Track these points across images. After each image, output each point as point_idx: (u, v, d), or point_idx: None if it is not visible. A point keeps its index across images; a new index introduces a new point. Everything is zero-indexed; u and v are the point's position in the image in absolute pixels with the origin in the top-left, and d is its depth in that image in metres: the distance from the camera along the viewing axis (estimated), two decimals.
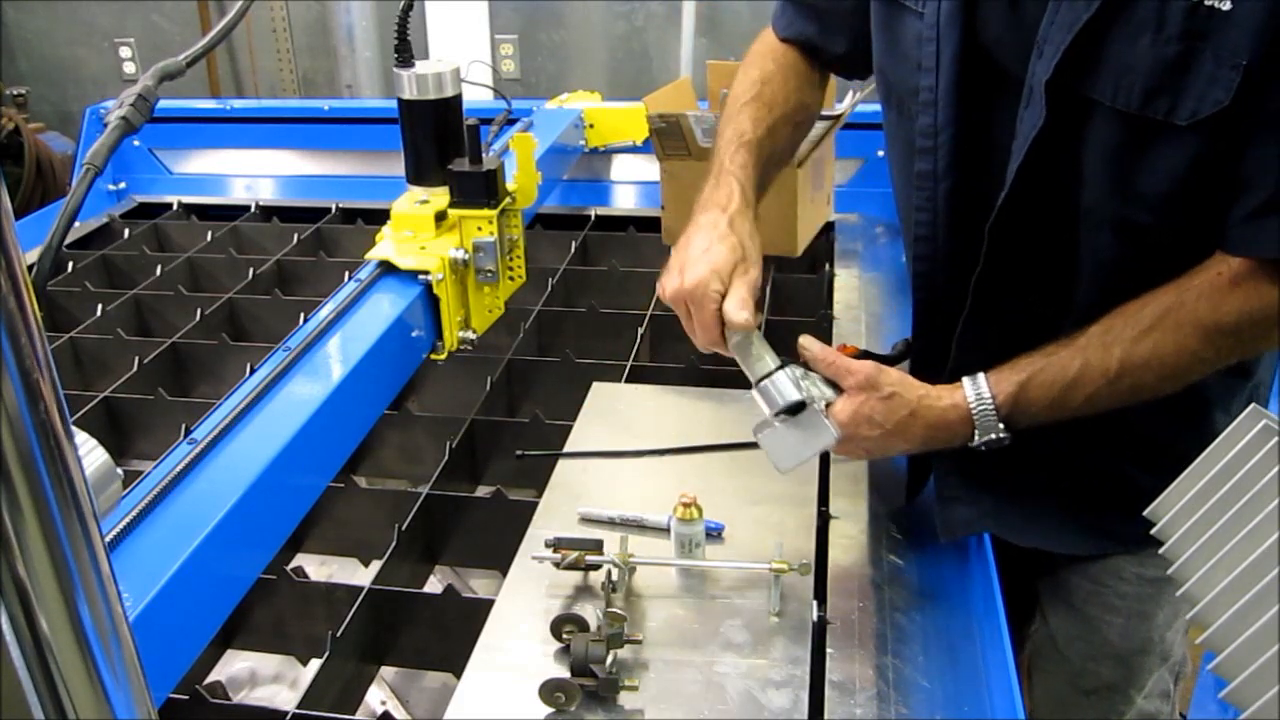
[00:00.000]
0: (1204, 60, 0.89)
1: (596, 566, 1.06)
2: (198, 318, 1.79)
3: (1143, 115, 0.93)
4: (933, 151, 1.11)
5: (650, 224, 2.10)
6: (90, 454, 0.71)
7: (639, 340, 1.66)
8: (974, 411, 1.04)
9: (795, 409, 1.06)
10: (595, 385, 1.46)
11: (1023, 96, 1.01)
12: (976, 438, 1.05)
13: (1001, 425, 1.04)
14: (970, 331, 1.13)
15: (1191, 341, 0.99)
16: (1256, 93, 0.88)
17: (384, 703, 1.22)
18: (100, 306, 1.84)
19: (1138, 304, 1.00)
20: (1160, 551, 0.87)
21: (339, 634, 1.08)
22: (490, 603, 1.06)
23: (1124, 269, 1.04)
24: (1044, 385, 1.03)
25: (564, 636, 0.99)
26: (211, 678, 1.21)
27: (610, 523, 1.16)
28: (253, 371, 1.18)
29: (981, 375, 1.05)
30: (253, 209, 2.32)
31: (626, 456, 1.29)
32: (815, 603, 1.05)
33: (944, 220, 1.12)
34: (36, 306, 0.39)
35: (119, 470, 0.73)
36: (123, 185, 2.42)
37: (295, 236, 2.14)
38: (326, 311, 1.27)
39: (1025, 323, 1.11)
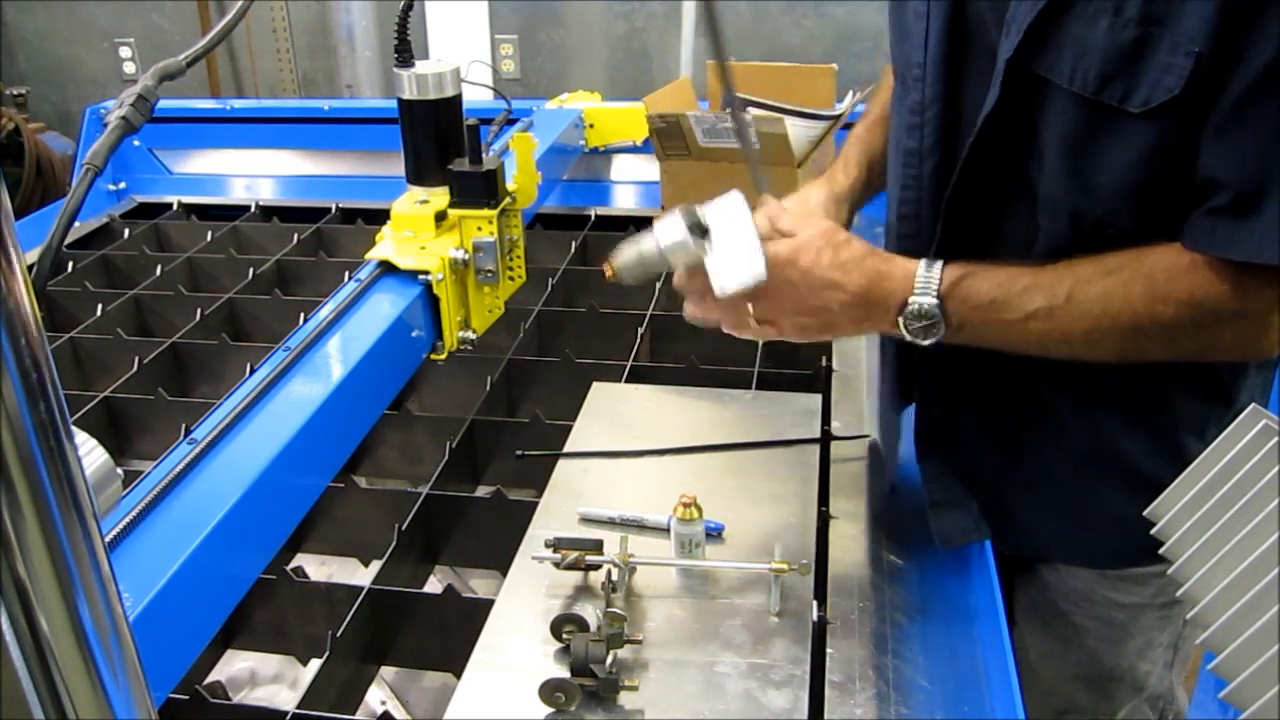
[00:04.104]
0: (1160, 46, 0.88)
1: (596, 566, 1.06)
2: (198, 318, 1.79)
3: (1098, 100, 0.93)
4: (920, 128, 1.10)
5: (650, 224, 2.09)
6: (90, 454, 0.71)
7: (639, 340, 1.66)
8: (917, 273, 1.02)
9: (698, 227, 1.06)
10: (595, 385, 1.46)
11: (994, 75, 1.00)
12: (910, 302, 1.01)
13: (937, 301, 1.01)
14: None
15: (1138, 300, 0.96)
16: (1210, 84, 0.87)
17: (384, 703, 1.22)
18: (100, 306, 1.84)
19: (1101, 255, 0.99)
20: (1160, 551, 0.87)
21: (339, 634, 1.08)
22: (490, 603, 1.06)
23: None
24: (991, 280, 1.00)
25: (564, 636, 0.99)
26: (211, 678, 1.21)
27: (610, 523, 1.16)
28: (253, 371, 1.18)
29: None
30: (253, 209, 2.32)
31: (626, 456, 1.29)
32: (815, 603, 1.05)
33: (929, 199, 1.12)
34: (36, 306, 0.39)
35: (119, 470, 0.73)
36: (123, 185, 2.42)
37: (295, 236, 2.14)
38: (326, 311, 1.27)
39: None
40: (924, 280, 1.01)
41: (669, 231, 1.08)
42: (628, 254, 1.12)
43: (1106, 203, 0.98)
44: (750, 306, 1.08)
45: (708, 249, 1.05)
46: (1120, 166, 0.95)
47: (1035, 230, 1.05)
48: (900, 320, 1.02)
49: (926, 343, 1.02)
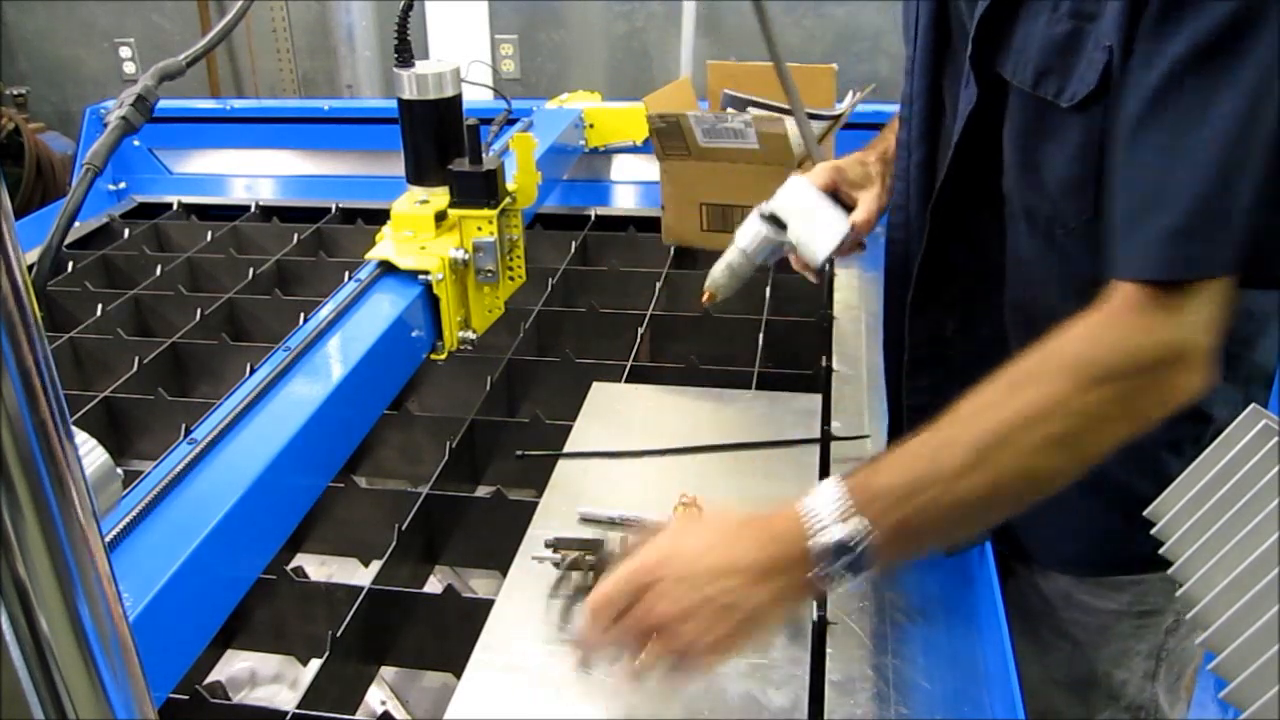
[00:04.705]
0: (1088, 41, 0.88)
1: None
2: (198, 318, 1.79)
3: (1035, 95, 0.93)
4: (908, 121, 1.13)
5: (650, 224, 2.10)
6: (90, 454, 0.71)
7: (639, 340, 1.66)
8: (804, 506, 0.84)
9: (771, 219, 1.15)
10: (595, 385, 1.46)
11: (963, 73, 1.02)
12: (818, 531, 0.82)
13: (854, 510, 0.82)
14: (918, 316, 1.13)
15: (1065, 387, 0.83)
16: (1119, 81, 0.86)
17: (384, 703, 1.22)
18: (100, 306, 1.84)
19: (1004, 370, 0.86)
20: (1160, 551, 0.87)
21: (339, 634, 1.08)
22: (490, 603, 1.06)
23: (1044, 268, 1.02)
24: (896, 464, 0.85)
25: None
26: (211, 678, 1.21)
27: (610, 523, 1.16)
28: (253, 371, 1.18)
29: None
30: (253, 209, 2.32)
31: (626, 456, 1.29)
32: (815, 603, 1.05)
33: (915, 192, 1.13)
34: (36, 306, 0.39)
35: (119, 470, 0.73)
36: (123, 185, 2.42)
37: (295, 236, 2.14)
38: (326, 311, 1.27)
39: (969, 312, 1.11)
40: (825, 494, 0.84)
41: (747, 233, 1.16)
42: (717, 270, 1.24)
43: (1053, 199, 0.97)
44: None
45: (789, 233, 1.12)
46: (1060, 162, 0.95)
47: (1002, 233, 1.05)
48: (824, 571, 0.83)
49: (853, 579, 0.84)
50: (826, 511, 0.83)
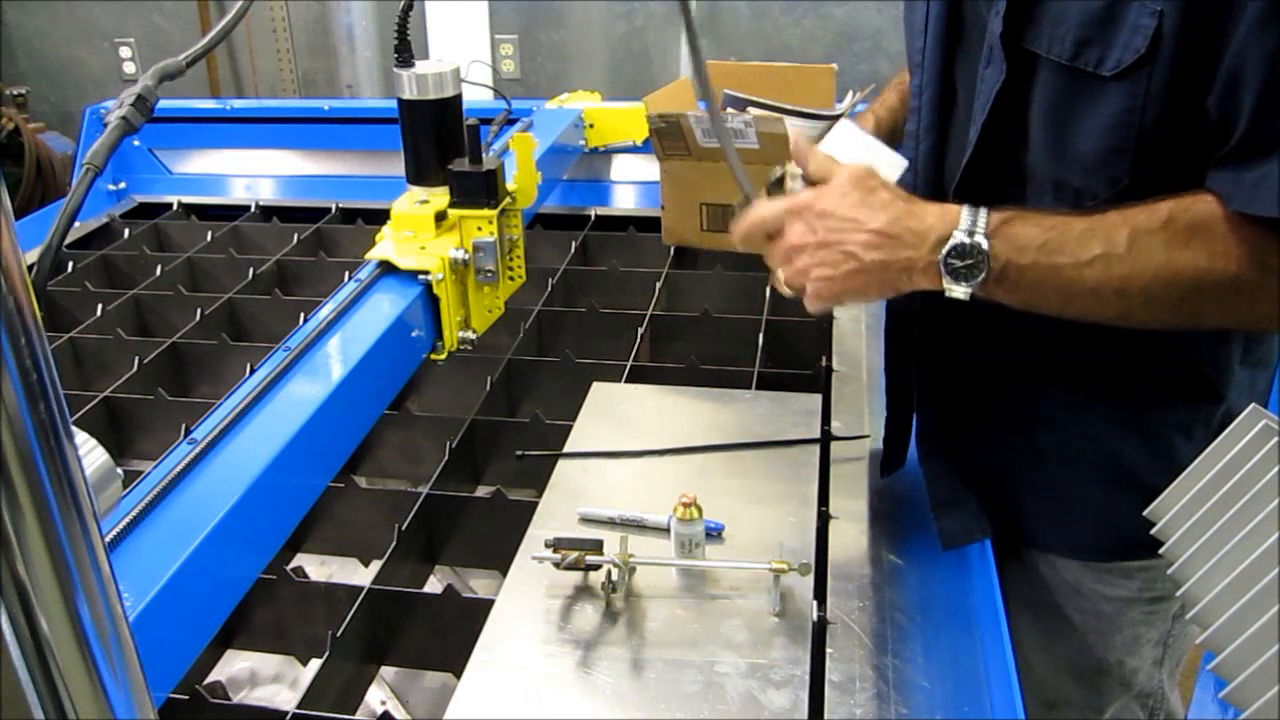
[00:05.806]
0: (1130, 9, 0.90)
1: (596, 566, 1.06)
2: (198, 318, 1.79)
3: (1074, 66, 0.94)
4: (917, 111, 1.14)
5: (650, 224, 2.10)
6: (90, 454, 0.71)
7: (639, 340, 1.66)
8: (961, 213, 0.96)
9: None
10: (595, 385, 1.45)
11: (983, 55, 1.03)
12: (953, 237, 0.95)
13: (984, 236, 0.94)
14: (933, 297, 1.14)
15: (1201, 254, 0.91)
16: (1177, 40, 0.88)
17: (384, 703, 1.22)
18: (100, 306, 1.84)
19: (1150, 203, 0.93)
20: (1160, 551, 0.88)
21: (339, 634, 1.08)
22: (490, 603, 1.06)
23: None
24: (1041, 224, 0.95)
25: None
26: (211, 678, 1.21)
27: (610, 523, 1.16)
28: (253, 371, 1.18)
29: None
30: (253, 209, 2.32)
31: (626, 456, 1.29)
32: (815, 603, 1.05)
33: (923, 180, 1.15)
34: (36, 306, 0.39)
35: (119, 470, 0.73)
36: (123, 185, 2.42)
37: (295, 236, 2.14)
38: (326, 311, 1.27)
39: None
40: (969, 218, 0.95)
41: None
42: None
43: (1085, 171, 0.99)
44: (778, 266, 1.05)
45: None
46: (1096, 132, 0.96)
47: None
48: (939, 259, 0.95)
49: (961, 290, 0.96)
50: (978, 224, 0.95)
